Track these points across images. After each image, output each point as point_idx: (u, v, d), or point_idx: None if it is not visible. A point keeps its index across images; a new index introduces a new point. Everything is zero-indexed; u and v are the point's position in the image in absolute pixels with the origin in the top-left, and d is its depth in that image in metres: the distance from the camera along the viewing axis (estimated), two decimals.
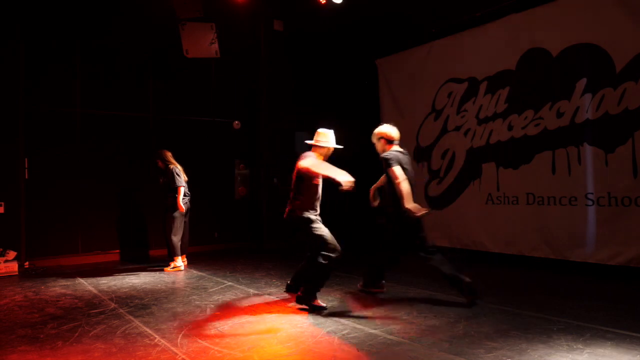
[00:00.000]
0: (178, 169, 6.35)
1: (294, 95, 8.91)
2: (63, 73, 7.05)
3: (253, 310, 4.21)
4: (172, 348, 3.23)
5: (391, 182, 4.36)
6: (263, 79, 8.71)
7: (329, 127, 4.49)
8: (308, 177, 4.24)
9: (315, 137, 4.46)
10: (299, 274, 4.58)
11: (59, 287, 5.30)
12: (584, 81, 5.61)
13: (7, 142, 6.53)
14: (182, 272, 6.13)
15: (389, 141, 4.56)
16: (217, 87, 8.41)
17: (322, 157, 4.39)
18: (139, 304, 4.47)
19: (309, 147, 4.44)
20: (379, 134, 4.63)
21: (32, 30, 6.77)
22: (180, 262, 6.31)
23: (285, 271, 5.99)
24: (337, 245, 4.15)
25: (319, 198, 4.38)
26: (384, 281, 4.83)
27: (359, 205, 8.76)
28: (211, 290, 5.06)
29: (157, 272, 6.15)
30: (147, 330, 3.64)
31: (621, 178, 5.29)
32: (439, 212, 7.36)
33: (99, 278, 5.81)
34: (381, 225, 4.75)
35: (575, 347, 3.10)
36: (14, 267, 6.16)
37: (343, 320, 3.82)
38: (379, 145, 4.63)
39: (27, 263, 6.54)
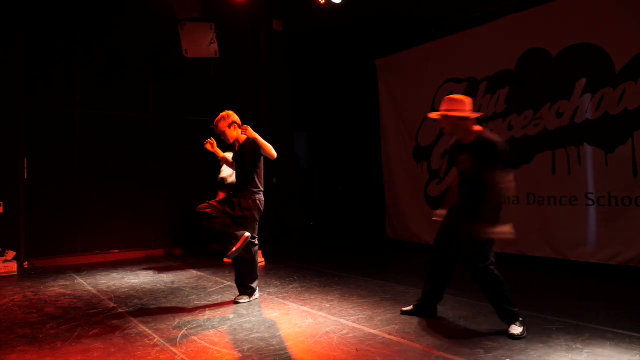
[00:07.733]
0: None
1: (294, 95, 8.90)
2: (63, 73, 7.04)
3: (252, 310, 4.21)
4: (172, 348, 3.23)
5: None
6: (263, 79, 8.70)
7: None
8: None
9: None
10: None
11: (58, 287, 5.30)
12: (583, 81, 5.61)
13: (7, 142, 6.52)
14: (182, 272, 6.12)
15: (239, 126, 4.58)
16: (216, 87, 8.40)
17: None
18: (138, 304, 4.47)
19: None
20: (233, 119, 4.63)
21: (32, 30, 6.76)
22: None
23: (284, 271, 5.99)
24: None
25: None
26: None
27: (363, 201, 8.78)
28: (210, 290, 5.06)
29: (156, 272, 6.14)
30: (146, 330, 3.64)
31: (621, 178, 5.29)
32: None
33: (98, 278, 5.80)
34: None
35: (574, 347, 3.10)
36: (13, 267, 6.15)
37: (342, 320, 3.82)
38: (233, 132, 4.65)
39: (26, 263, 6.53)
